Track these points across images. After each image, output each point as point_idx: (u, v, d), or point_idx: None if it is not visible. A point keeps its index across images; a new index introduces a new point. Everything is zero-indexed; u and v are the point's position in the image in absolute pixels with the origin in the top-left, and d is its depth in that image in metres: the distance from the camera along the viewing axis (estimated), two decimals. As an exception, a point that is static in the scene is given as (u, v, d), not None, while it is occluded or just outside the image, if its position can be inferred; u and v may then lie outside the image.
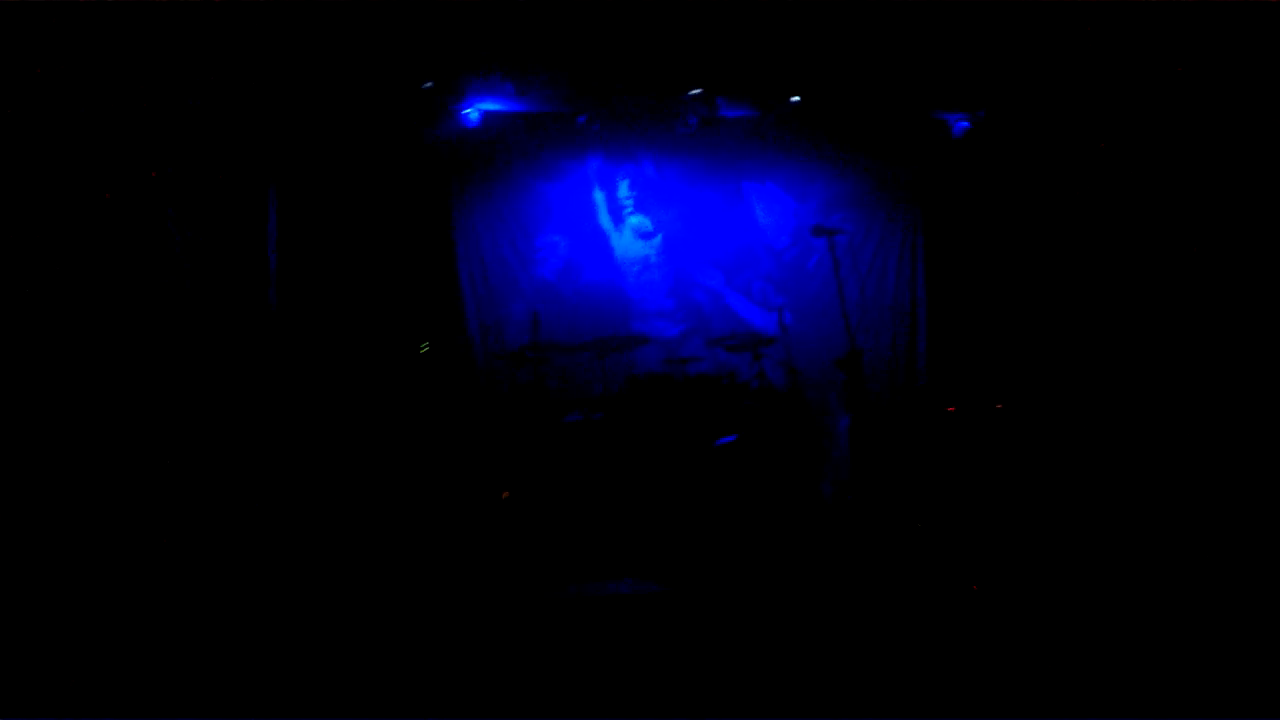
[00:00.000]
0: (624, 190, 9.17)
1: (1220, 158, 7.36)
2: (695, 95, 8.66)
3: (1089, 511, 6.78)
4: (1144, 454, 7.31)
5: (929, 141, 9.17)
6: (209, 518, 6.28)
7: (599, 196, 9.13)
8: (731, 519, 6.90)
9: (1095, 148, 8.17)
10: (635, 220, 9.18)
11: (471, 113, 8.45)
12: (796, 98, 8.73)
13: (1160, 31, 7.24)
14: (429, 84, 8.20)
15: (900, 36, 7.96)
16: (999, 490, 7.13)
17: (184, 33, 6.93)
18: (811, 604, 5.32)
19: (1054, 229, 8.50)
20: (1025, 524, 6.59)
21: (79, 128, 6.38)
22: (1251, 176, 7.11)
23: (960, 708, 3.95)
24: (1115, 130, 8.03)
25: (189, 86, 7.14)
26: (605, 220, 9.13)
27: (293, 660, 4.50)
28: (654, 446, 7.21)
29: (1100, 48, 7.66)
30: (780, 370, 7.92)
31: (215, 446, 6.79)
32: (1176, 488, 6.79)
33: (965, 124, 9.02)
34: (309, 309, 7.88)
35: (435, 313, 8.40)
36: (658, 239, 9.19)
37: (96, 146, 6.49)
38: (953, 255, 9.14)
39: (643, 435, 7.31)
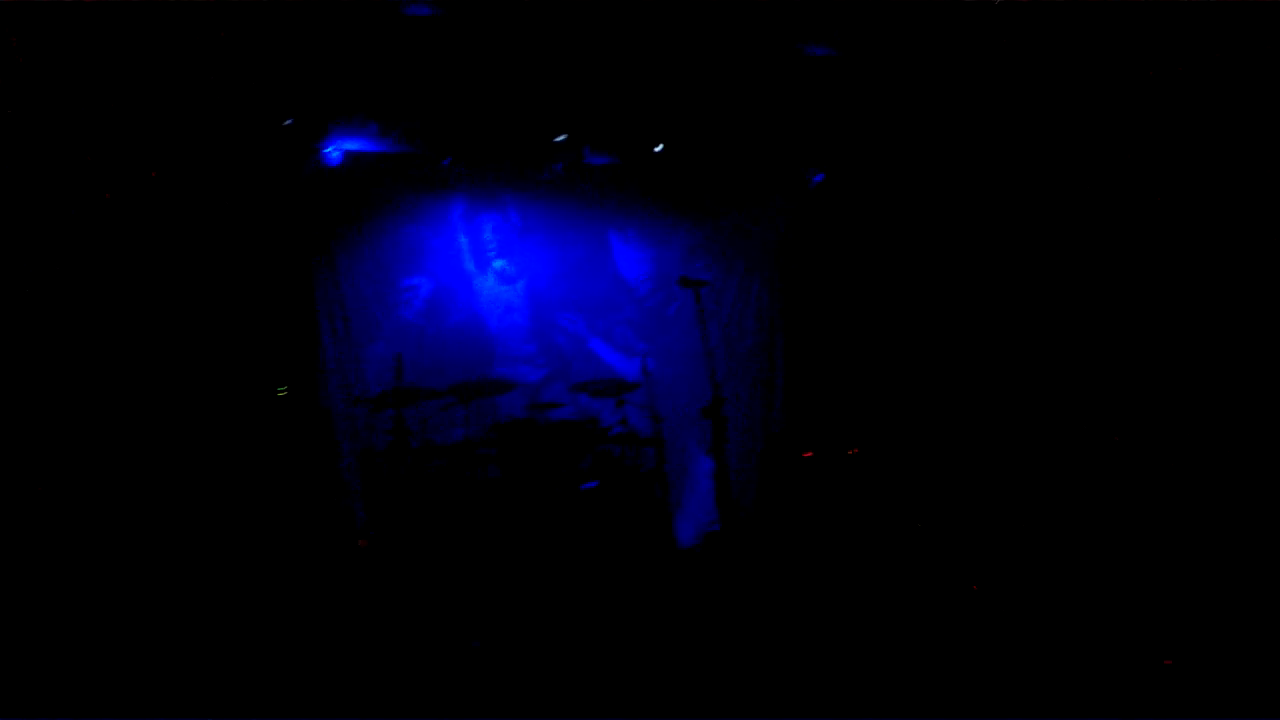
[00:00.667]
0: (488, 234, 9.14)
1: (1064, 207, 7.83)
2: (560, 142, 8.74)
3: (938, 553, 7.05)
4: (999, 499, 7.64)
5: (787, 192, 9.45)
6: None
7: (463, 240, 9.09)
8: (594, 566, 6.91)
9: (946, 198, 8.56)
10: (499, 264, 9.16)
11: (333, 152, 8.33)
12: (659, 147, 8.90)
13: (1007, 80, 7.69)
14: (289, 121, 8.05)
15: (760, 90, 8.22)
16: (856, 532, 7.36)
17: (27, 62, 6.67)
18: (673, 649, 5.37)
19: (910, 279, 8.83)
20: (885, 565, 6.81)
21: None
22: (1092, 227, 7.58)
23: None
24: (966, 181, 8.44)
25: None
26: (469, 264, 9.08)
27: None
28: (517, 493, 7.17)
29: (950, 101, 8.08)
30: (643, 415, 7.98)
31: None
32: (1028, 529, 7.13)
33: (821, 175, 9.34)
34: (158, 346, 7.55)
35: (294, 355, 8.17)
36: (521, 284, 9.19)
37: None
38: (810, 304, 9.39)
39: (506, 481, 7.27)
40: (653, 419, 7.90)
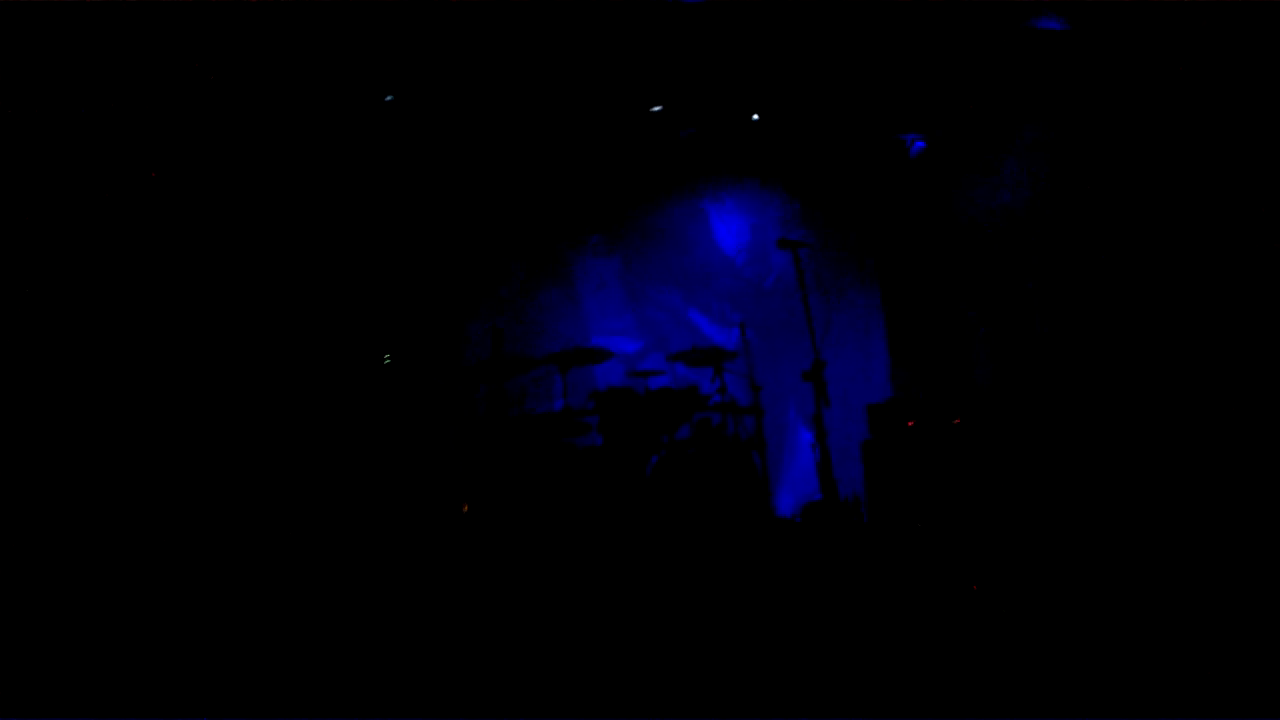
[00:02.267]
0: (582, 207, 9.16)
1: (1173, 173, 7.55)
2: (656, 112, 8.70)
3: (1047, 524, 6.85)
4: (1104, 473, 7.40)
5: (886, 160, 9.29)
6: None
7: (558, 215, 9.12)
8: (694, 531, 6.87)
9: (1048, 167, 8.33)
10: (593, 238, 9.17)
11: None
12: (756, 115, 8.80)
13: (1115, 49, 7.43)
14: (390, 98, 8.14)
15: (859, 55, 8.08)
16: (961, 504, 7.18)
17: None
18: (774, 618, 5.29)
19: (1011, 247, 8.61)
20: (991, 538, 6.64)
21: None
22: (1217, 189, 7.29)
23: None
24: (1070, 149, 8.19)
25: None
26: (563, 238, 9.11)
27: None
28: (619, 458, 7.16)
29: (1054, 67, 7.84)
30: (742, 384, 7.92)
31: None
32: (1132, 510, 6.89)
33: (921, 144, 9.16)
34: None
35: (397, 328, 8.28)
36: (615, 256, 9.18)
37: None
38: (909, 271, 9.22)
39: (607, 447, 7.27)
40: (751, 387, 7.84)
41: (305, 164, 8.08)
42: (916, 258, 9.17)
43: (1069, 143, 8.17)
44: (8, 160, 6.47)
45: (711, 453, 7.34)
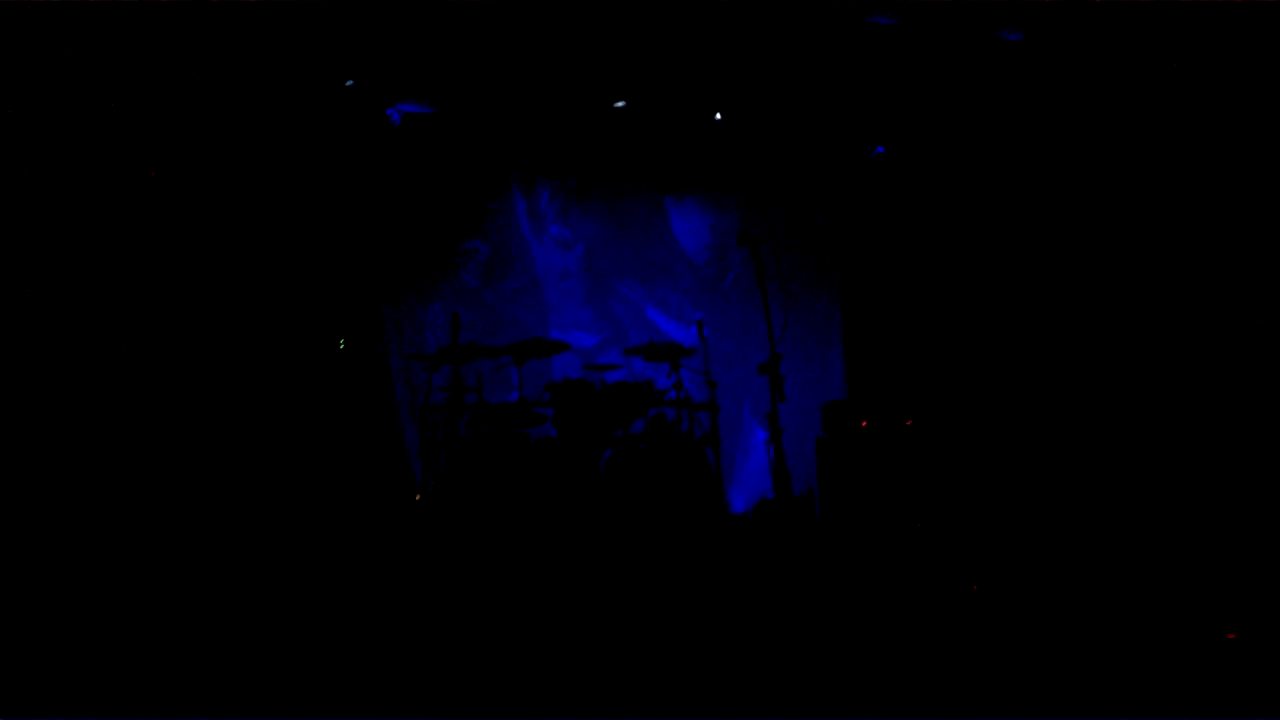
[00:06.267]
0: (546, 199, 9.15)
1: (1123, 187, 7.69)
2: (619, 108, 8.71)
3: (993, 527, 6.94)
4: (1051, 478, 7.50)
5: (847, 162, 9.35)
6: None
7: (521, 205, 9.10)
8: (646, 526, 6.88)
9: (1008, 174, 8.43)
10: (556, 230, 9.16)
11: (394, 114, 8.37)
12: (719, 115, 8.84)
13: (1074, 58, 7.55)
14: (350, 83, 8.10)
15: (822, 58, 8.14)
16: (911, 504, 7.24)
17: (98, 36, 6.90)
18: (720, 611, 5.30)
19: (969, 252, 8.71)
20: (944, 538, 6.70)
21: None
22: (1160, 206, 7.44)
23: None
24: (1028, 158, 8.30)
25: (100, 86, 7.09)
26: (527, 229, 9.10)
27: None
28: (572, 452, 7.16)
29: (1015, 76, 7.95)
30: (698, 381, 7.94)
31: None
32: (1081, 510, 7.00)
33: (882, 147, 9.23)
34: (223, 302, 7.67)
35: (351, 311, 8.24)
36: (578, 249, 9.18)
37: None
38: (868, 273, 9.29)
39: (561, 439, 7.27)
40: (707, 384, 7.85)
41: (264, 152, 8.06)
42: (875, 260, 9.23)
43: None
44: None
45: (665, 449, 7.35)
